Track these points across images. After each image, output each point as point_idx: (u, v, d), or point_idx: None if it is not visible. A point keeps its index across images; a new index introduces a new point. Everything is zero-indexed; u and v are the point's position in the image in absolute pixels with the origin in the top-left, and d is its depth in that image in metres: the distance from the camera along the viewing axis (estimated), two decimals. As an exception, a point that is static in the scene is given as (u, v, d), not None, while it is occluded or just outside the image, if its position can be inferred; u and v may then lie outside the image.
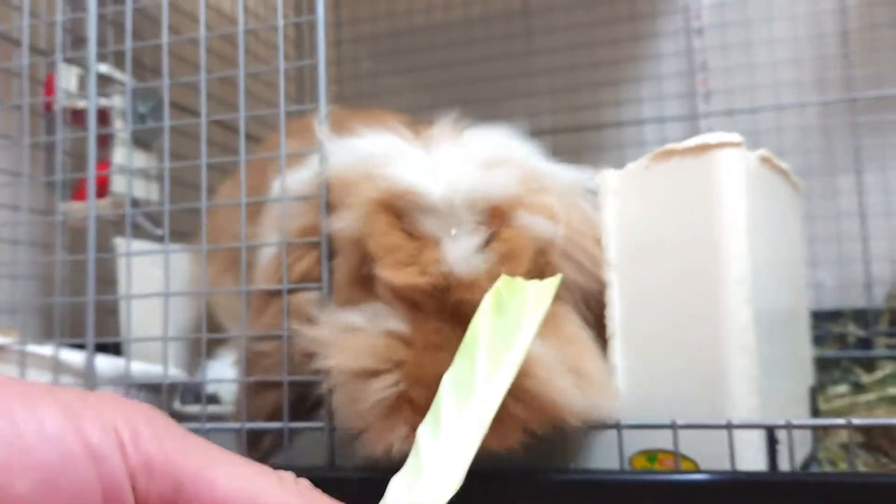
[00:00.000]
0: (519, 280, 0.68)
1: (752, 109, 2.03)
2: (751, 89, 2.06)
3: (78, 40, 1.21)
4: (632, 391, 0.89)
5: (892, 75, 2.00)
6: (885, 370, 1.94)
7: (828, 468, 1.24)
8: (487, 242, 0.79)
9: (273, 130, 1.10)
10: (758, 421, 0.83)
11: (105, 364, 1.09)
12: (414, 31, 2.22)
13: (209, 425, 0.97)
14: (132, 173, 1.18)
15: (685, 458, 0.84)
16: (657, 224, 0.89)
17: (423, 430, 0.56)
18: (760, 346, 0.85)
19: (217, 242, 1.13)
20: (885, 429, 1.24)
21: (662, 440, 0.84)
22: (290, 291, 0.91)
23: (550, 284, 0.68)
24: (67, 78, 1.29)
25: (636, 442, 0.87)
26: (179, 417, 1.13)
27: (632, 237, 0.90)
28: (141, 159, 1.37)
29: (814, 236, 1.98)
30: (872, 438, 1.31)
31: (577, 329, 0.86)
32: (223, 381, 1.07)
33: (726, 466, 0.80)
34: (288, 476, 0.46)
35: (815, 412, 1.28)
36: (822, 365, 2.01)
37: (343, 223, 0.85)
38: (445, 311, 0.76)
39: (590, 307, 0.91)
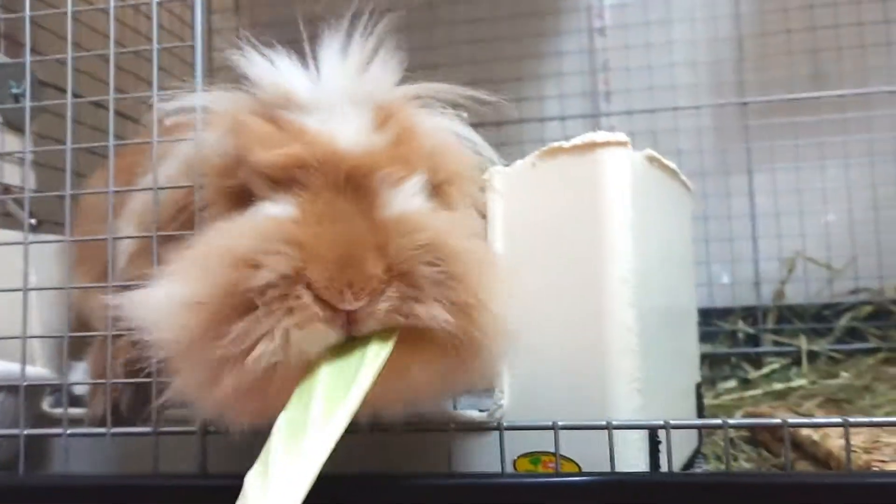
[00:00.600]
0: (359, 339, 0.67)
1: (650, 110, 2.07)
2: (650, 90, 2.09)
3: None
4: (516, 393, 0.87)
5: (781, 81, 2.07)
6: (771, 366, 2.02)
7: (714, 463, 1.26)
8: (379, 127, 0.76)
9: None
10: (638, 421, 0.83)
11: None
12: (314, 20, 2.15)
13: (71, 430, 0.90)
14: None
15: (568, 460, 0.83)
16: (543, 222, 0.87)
17: (252, 473, 0.57)
18: (645, 347, 0.85)
19: (90, 247, 1.04)
20: (758, 427, 1.28)
21: (546, 443, 0.83)
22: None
23: (388, 344, 0.67)
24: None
25: (520, 445, 0.85)
26: (47, 420, 1.05)
27: (518, 235, 0.88)
28: (14, 143, 1.27)
29: (707, 236, 2.04)
30: (756, 434, 1.34)
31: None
32: (85, 384, 1.00)
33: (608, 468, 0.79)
34: None
35: (701, 408, 1.31)
36: (713, 361, 2.08)
37: (213, 141, 0.80)
38: (338, 185, 0.71)
39: None
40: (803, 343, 1.99)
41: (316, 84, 0.78)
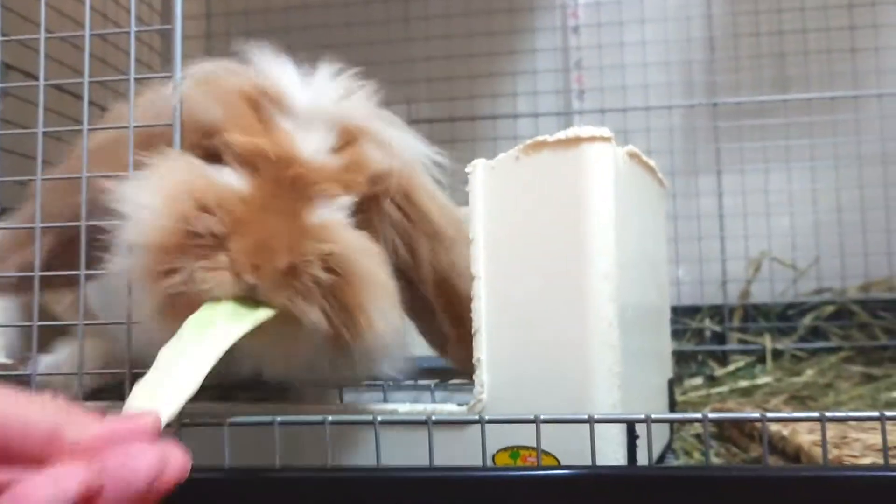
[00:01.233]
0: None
1: (623, 109, 2.09)
2: (622, 89, 2.11)
3: None
4: (497, 387, 0.87)
5: (751, 83, 2.11)
6: (736, 363, 2.05)
7: (683, 458, 1.28)
8: (337, 150, 0.87)
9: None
10: (619, 415, 0.83)
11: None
12: (288, 9, 2.14)
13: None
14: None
15: (548, 454, 0.83)
16: (526, 217, 0.87)
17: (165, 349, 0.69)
18: (624, 342, 0.85)
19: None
20: (736, 421, 1.30)
21: (526, 437, 0.82)
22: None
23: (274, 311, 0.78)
24: None
25: (500, 439, 0.85)
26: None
27: (500, 229, 0.88)
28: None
29: (676, 235, 2.06)
30: (724, 430, 1.37)
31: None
32: (55, 374, 0.97)
33: (588, 462, 0.79)
34: (46, 396, 0.50)
35: (673, 404, 1.32)
36: (680, 358, 2.10)
37: (204, 104, 0.86)
38: (283, 184, 0.81)
39: (405, 267, 0.96)
40: (768, 342, 2.03)
41: (305, 97, 0.88)
